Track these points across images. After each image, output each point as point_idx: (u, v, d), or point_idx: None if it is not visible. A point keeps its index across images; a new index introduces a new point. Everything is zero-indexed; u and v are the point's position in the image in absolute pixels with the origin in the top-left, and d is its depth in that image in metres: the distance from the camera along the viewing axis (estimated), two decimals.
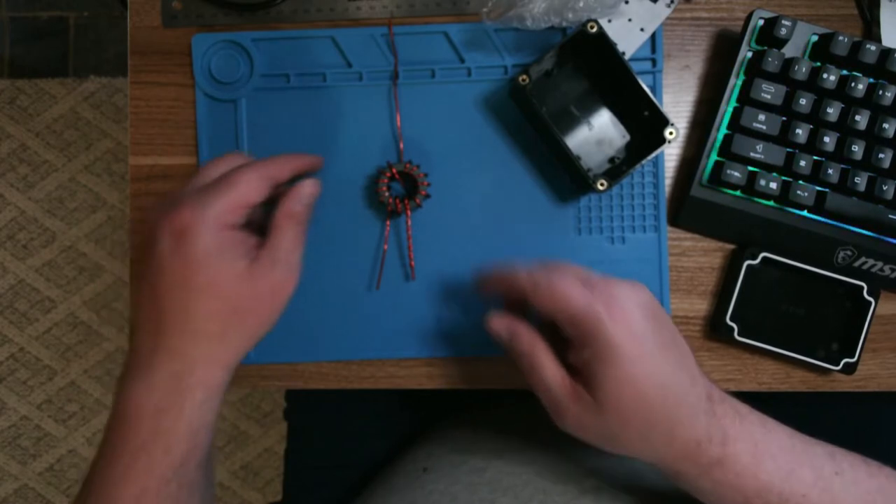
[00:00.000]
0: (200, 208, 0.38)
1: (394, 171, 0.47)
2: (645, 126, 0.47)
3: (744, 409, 0.39)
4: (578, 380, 0.37)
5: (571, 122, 0.49)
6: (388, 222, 0.49)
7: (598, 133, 0.49)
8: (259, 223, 0.42)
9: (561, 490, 0.46)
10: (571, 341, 0.37)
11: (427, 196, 0.48)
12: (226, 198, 0.39)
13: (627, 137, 0.49)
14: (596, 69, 0.48)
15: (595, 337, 0.35)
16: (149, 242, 0.39)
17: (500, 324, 0.40)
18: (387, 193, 0.47)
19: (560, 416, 0.38)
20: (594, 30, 0.45)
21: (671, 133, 0.45)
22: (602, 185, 0.45)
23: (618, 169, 0.48)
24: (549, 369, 0.38)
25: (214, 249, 0.38)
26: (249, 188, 0.39)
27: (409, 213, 0.47)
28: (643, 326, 0.36)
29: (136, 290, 0.46)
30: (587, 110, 0.49)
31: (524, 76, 0.45)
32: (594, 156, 0.49)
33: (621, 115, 0.49)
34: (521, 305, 0.41)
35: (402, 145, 0.49)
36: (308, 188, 0.41)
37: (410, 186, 0.48)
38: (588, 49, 0.46)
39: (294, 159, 0.43)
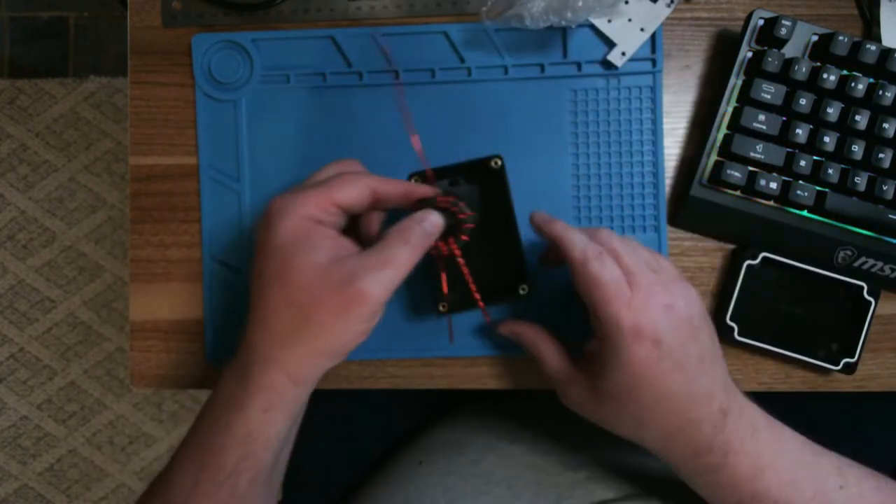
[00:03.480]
0: (291, 198, 0.37)
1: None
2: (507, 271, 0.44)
3: (761, 422, 0.39)
4: (582, 363, 0.41)
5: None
6: None
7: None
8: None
9: (554, 482, 0.47)
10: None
11: (472, 227, 0.40)
12: (318, 191, 0.37)
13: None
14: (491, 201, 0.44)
15: (608, 337, 0.37)
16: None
17: (506, 327, 0.45)
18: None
19: (561, 396, 0.42)
20: (497, 166, 0.43)
21: (523, 290, 0.43)
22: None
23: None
24: (550, 359, 0.42)
25: (290, 238, 0.36)
26: (346, 189, 0.37)
27: (458, 252, 0.40)
28: (666, 339, 0.36)
29: None
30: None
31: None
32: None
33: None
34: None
35: (425, 162, 0.41)
36: (435, 217, 0.39)
37: (448, 220, 0.40)
38: (488, 180, 0.43)
39: (408, 185, 0.40)
